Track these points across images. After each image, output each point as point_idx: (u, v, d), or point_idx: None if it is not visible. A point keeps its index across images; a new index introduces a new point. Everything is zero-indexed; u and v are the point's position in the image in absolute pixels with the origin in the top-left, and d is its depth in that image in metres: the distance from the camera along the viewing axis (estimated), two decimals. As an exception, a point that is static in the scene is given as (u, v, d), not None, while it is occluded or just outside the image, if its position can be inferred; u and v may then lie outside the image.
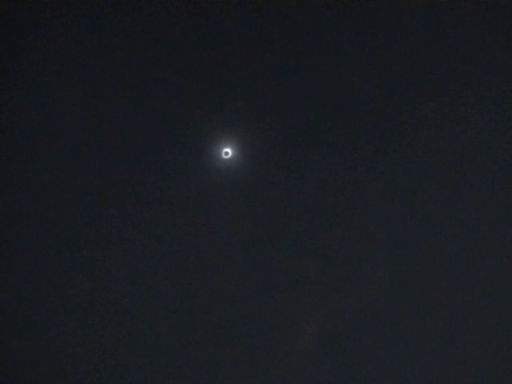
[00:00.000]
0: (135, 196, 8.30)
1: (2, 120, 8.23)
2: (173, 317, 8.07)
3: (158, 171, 8.33)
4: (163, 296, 8.11)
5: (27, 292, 8.02)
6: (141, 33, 8.34)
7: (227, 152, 8.35)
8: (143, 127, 8.35)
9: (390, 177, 8.19)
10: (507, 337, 7.79)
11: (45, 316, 7.98)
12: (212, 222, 8.28)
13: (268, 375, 7.90)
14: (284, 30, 8.35)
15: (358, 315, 7.97)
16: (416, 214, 8.13)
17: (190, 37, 8.35)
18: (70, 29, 8.32)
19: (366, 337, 7.92)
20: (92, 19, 8.32)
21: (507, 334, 7.79)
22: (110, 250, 8.18)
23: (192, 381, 7.90)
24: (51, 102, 8.31)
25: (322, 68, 8.36)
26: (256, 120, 8.36)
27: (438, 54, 8.31)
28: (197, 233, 8.27)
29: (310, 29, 8.35)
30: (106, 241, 8.19)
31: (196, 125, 8.35)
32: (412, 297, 7.96)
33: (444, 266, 8.00)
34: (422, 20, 8.33)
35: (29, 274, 8.06)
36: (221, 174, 8.32)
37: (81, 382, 7.83)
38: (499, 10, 8.23)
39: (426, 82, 8.29)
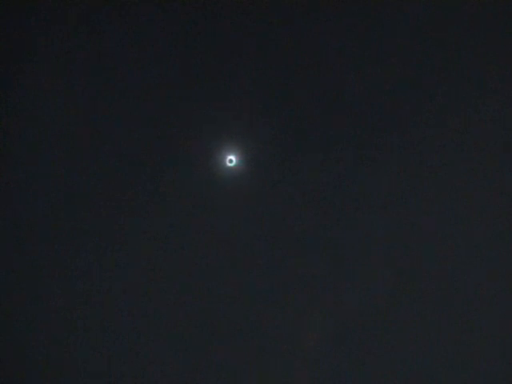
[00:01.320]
0: (135, 205, 8.10)
1: (2, 121, 8.07)
2: (175, 318, 7.96)
3: (159, 179, 8.11)
4: (167, 302, 7.98)
5: (26, 293, 7.91)
6: (141, 37, 8.12)
7: (231, 159, 8.10)
8: (143, 133, 8.13)
9: (392, 176, 8.02)
10: (509, 335, 7.68)
11: (43, 317, 7.87)
12: (216, 231, 8.10)
13: (271, 375, 7.81)
14: (288, 37, 8.13)
15: (361, 314, 7.86)
16: (418, 213, 7.97)
17: (193, 42, 8.12)
18: (68, 28, 8.12)
19: (369, 336, 7.82)
20: (91, 18, 8.10)
21: (509, 332, 7.69)
22: (110, 259, 8.01)
23: (191, 382, 7.80)
24: (51, 104, 8.10)
25: (325, 74, 8.15)
26: (261, 126, 8.14)
27: (439, 51, 8.11)
28: (200, 242, 8.08)
29: (310, 34, 8.12)
30: (106, 250, 8.02)
31: (199, 131, 8.11)
32: (416, 295, 7.83)
33: (447, 264, 7.86)
34: (421, 17, 8.11)
35: (27, 275, 7.95)
36: (225, 182, 8.09)
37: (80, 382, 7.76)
38: (500, 9, 8.01)
39: (427, 79, 8.10)
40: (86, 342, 7.83)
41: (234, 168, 8.08)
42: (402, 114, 8.04)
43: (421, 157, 7.98)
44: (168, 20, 8.08)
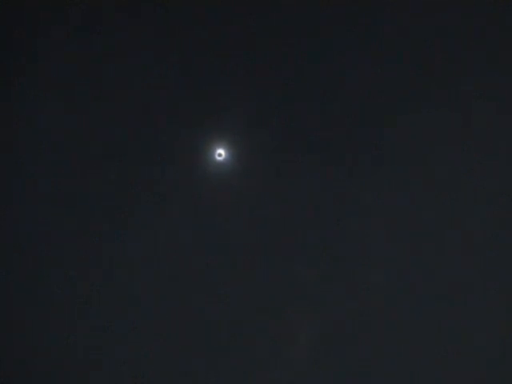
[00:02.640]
0: (123, 201, 7.98)
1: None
2: (167, 325, 7.89)
3: (146, 174, 8.00)
4: (156, 303, 7.90)
5: (26, 293, 7.84)
6: (135, 34, 7.96)
7: (220, 153, 8.00)
8: (131, 128, 8.00)
9: (389, 183, 7.99)
10: (509, 346, 7.75)
11: (40, 318, 7.80)
12: (205, 227, 8.03)
13: (270, 376, 7.82)
14: (279, 33, 8.01)
15: (357, 322, 7.86)
16: (416, 220, 7.96)
17: (184, 38, 7.97)
18: (64, 25, 7.96)
19: (365, 344, 7.83)
20: (87, 17, 7.95)
21: (509, 343, 7.76)
22: (99, 256, 7.92)
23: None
24: (46, 101, 7.97)
25: (319, 71, 8.04)
26: (251, 119, 8.04)
27: (441, 56, 8.03)
28: (189, 238, 8.01)
29: (306, 33, 8.01)
30: (96, 248, 7.93)
31: (187, 125, 7.98)
32: (413, 304, 7.86)
33: (445, 273, 7.88)
34: (421, 18, 8.03)
35: (26, 275, 7.87)
36: (214, 176, 7.99)
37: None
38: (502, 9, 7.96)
39: (429, 86, 8.03)
40: (85, 341, 7.79)
41: (223, 162, 8.00)
42: (403, 114, 7.97)
43: (421, 164, 7.94)
44: (165, 15, 7.95)
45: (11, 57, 7.93)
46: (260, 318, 7.91)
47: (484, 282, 7.81)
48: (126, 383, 7.76)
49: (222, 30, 7.97)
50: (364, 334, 7.82)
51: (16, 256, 7.85)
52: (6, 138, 7.94)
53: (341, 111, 8.04)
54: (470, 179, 7.92)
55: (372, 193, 7.97)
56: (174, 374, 7.79)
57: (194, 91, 7.99)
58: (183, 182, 7.98)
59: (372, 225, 7.98)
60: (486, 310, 7.76)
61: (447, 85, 7.99)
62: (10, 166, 7.94)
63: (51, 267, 7.84)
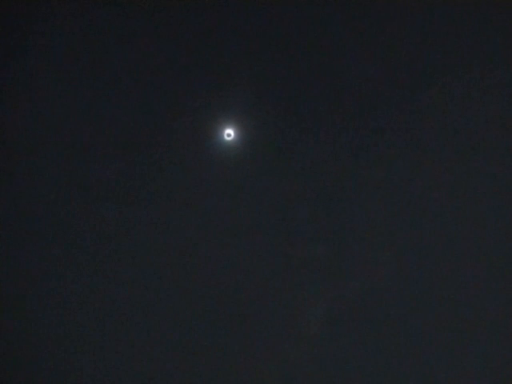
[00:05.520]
0: (133, 182, 8.06)
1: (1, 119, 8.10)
2: (175, 303, 7.92)
3: (156, 155, 8.06)
4: (166, 278, 7.92)
5: (26, 291, 7.89)
6: (138, 14, 8.09)
7: (229, 133, 8.03)
8: (140, 108, 8.09)
9: (392, 160, 7.96)
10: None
11: (43, 316, 7.86)
12: (214, 207, 8.04)
13: (271, 363, 7.77)
14: (284, 14, 8.09)
15: (362, 301, 7.82)
16: (418, 198, 7.93)
17: (189, 17, 8.07)
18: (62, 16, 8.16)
19: (370, 322, 7.77)
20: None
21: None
22: (110, 236, 8.00)
23: (194, 370, 7.76)
24: (47, 86, 8.11)
25: (324, 51, 8.09)
26: (259, 100, 8.09)
27: (442, 40, 8.04)
28: (198, 218, 8.02)
29: (310, 13, 8.08)
30: (105, 228, 8.01)
31: (196, 105, 8.06)
32: (417, 280, 7.79)
33: (448, 250, 7.80)
34: (422, 9, 8.07)
35: (26, 273, 7.93)
36: (223, 156, 8.02)
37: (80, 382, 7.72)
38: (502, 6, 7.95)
39: (429, 68, 8.04)
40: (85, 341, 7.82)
41: (232, 142, 8.02)
42: (404, 100, 7.98)
43: (422, 143, 7.92)
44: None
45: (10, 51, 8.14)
46: (269, 298, 7.84)
47: (489, 262, 7.74)
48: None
49: (232, 12, 8.09)
50: (370, 314, 7.78)
51: (16, 254, 7.95)
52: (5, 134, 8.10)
53: (352, 89, 8.05)
54: (471, 168, 7.90)
55: (381, 170, 7.92)
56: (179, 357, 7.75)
57: (201, 72, 8.06)
58: (192, 163, 8.03)
59: (381, 204, 7.93)
60: (486, 299, 7.70)
61: (451, 72, 7.99)
62: (10, 161, 8.07)
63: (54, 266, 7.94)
